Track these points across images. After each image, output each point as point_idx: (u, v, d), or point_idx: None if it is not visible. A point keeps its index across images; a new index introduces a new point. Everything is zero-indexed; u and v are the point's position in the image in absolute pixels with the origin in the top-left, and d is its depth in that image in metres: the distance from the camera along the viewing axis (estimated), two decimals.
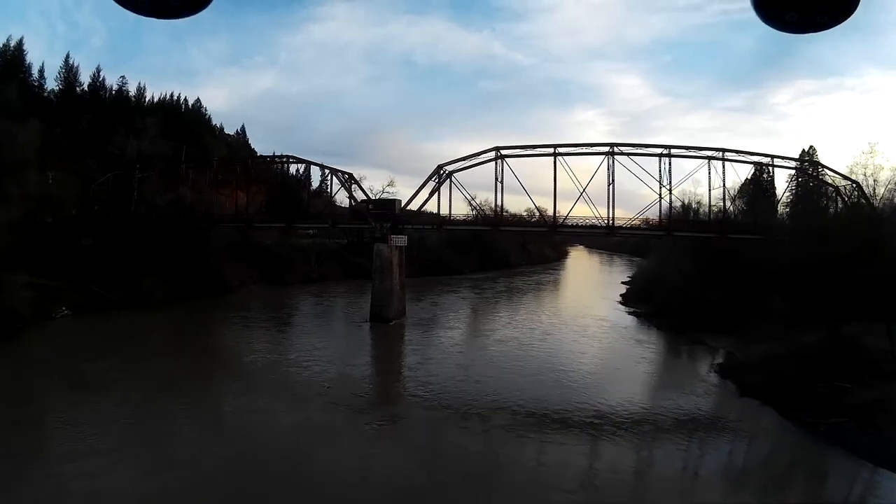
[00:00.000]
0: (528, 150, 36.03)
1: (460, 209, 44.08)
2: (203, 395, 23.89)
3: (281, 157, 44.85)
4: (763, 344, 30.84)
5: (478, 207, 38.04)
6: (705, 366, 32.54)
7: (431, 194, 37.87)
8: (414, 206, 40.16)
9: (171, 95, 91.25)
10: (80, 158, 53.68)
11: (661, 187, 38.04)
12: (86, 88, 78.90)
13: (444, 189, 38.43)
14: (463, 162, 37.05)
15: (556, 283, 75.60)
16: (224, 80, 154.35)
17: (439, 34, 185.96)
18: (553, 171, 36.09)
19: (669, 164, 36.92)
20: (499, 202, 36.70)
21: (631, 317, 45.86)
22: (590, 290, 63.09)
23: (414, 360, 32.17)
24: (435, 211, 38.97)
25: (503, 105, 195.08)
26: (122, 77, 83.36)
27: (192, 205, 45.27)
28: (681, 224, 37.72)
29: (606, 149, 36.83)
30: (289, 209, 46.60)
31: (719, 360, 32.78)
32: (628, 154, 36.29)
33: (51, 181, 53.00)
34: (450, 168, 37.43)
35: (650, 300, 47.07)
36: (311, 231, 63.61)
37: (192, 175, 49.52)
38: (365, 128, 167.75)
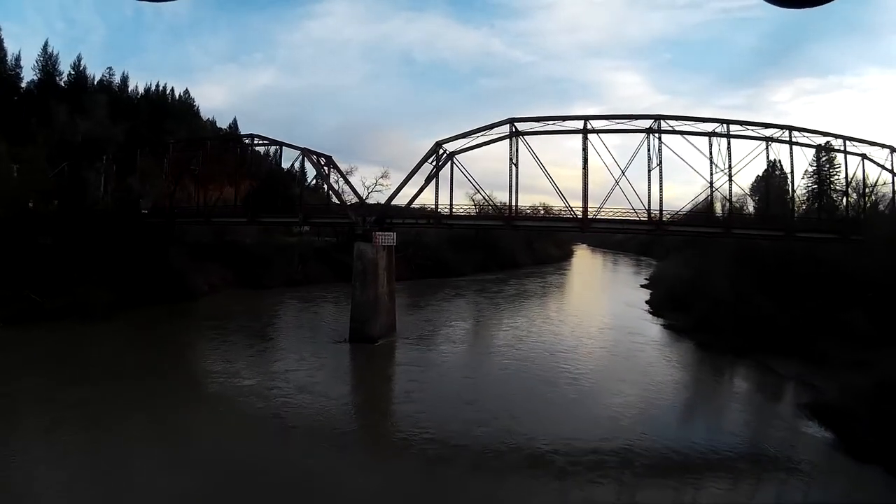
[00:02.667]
0: (550, 125, 27.43)
1: (460, 199, 35.67)
2: (118, 433, 17.50)
3: (247, 136, 36.40)
4: (847, 372, 23.17)
5: (486, 197, 29.32)
6: (787, 405, 24.49)
7: (428, 181, 29.38)
8: (406, 196, 31.64)
9: (158, 86, 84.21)
10: (23, 143, 45.41)
11: (712, 173, 29.59)
12: (66, 79, 72.34)
13: (444, 176, 29.94)
14: (467, 140, 28.44)
15: (569, 285, 66.89)
16: (223, 77, 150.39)
17: (438, 31, 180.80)
18: (583, 153, 27.53)
19: (728, 143, 28.49)
20: (513, 190, 27.91)
21: (667, 331, 37.53)
22: (609, 295, 54.63)
23: (406, 389, 24.35)
24: (432, 202, 30.34)
25: (502, 103, 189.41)
26: (110, 68, 77.22)
27: (141, 197, 37.01)
28: (742, 220, 29.07)
29: (648, 123, 28.32)
30: (272, 203, 38.10)
31: (802, 396, 24.70)
32: (680, 132, 27.82)
33: (16, 173, 45.96)
34: (451, 147, 28.87)
35: (686, 310, 38.79)
36: (303, 228, 55.36)
37: (169, 163, 40.58)
38: (364, 125, 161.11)
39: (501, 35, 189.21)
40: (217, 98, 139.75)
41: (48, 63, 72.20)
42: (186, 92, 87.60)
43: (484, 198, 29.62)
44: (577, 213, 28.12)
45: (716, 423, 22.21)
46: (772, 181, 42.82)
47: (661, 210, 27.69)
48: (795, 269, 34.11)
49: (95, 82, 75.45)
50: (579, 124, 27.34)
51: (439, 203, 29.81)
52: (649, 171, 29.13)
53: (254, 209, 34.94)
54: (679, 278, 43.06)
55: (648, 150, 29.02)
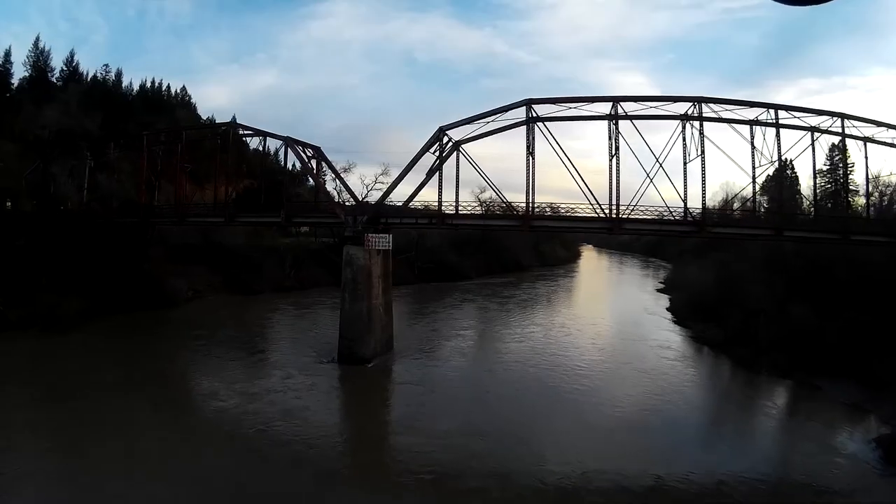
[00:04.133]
0: (573, 108, 22.92)
1: (464, 197, 31.20)
2: (74, 463, 15.40)
3: (225, 124, 32.23)
4: None
5: (499, 193, 24.61)
6: (851, 439, 20.45)
7: (430, 174, 24.93)
8: (404, 193, 27.19)
9: (153, 82, 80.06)
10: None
11: (754, 167, 25.28)
12: (58, 74, 68.48)
13: (447, 172, 25.51)
14: (475, 126, 23.88)
15: (582, 289, 61.79)
16: (225, 77, 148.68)
17: (440, 32, 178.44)
18: (611, 141, 23.12)
19: (778, 133, 24.17)
20: (530, 186, 23.21)
21: (696, 343, 33.12)
22: (626, 301, 50.14)
23: (403, 419, 20.74)
24: (432, 199, 25.90)
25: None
26: (106, 65, 73.44)
27: (111, 195, 32.96)
28: (794, 221, 24.62)
29: (685, 107, 23.95)
30: (259, 202, 33.82)
31: (867, 428, 20.81)
32: (725, 120, 23.56)
33: None
34: (456, 135, 24.39)
35: (715, 320, 34.43)
36: (301, 228, 51.13)
37: (160, 157, 35.97)
38: (366, 126, 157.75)
39: (504, 35, 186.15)
40: (220, 99, 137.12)
41: (39, 59, 68.31)
42: (183, 88, 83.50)
43: (496, 193, 24.82)
44: (600, 211, 23.67)
45: (770, 461, 18.58)
46: (783, 180, 39.16)
47: (703, 208, 23.27)
48: (837, 275, 29.88)
49: (89, 78, 71.70)
50: (606, 107, 22.90)
51: (442, 200, 25.32)
52: (685, 163, 24.77)
53: (232, 209, 30.62)
54: (704, 284, 38.63)
55: (684, 138, 24.67)
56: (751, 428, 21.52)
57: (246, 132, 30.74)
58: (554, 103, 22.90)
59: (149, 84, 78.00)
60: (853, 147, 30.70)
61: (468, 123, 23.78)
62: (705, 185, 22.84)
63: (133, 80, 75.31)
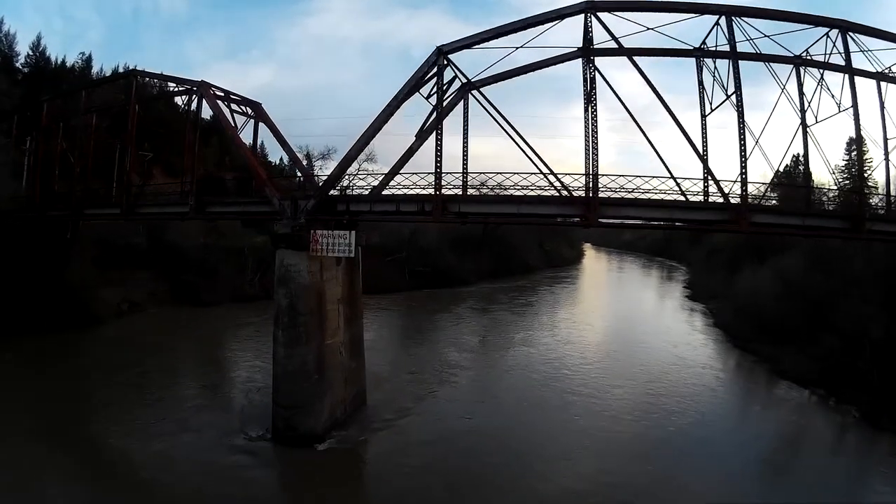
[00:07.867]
0: (661, 20, 13.05)
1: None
2: None
3: (125, 74, 22.46)
4: None
5: (541, 159, 13.68)
6: None
7: (425, 134, 14.94)
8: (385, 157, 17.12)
9: (127, 68, 70.44)
10: None
11: (886, 138, 16.21)
12: (24, 61, 58.98)
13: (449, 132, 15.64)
14: (494, 51, 13.93)
15: (605, 297, 49.94)
16: (221, 74, 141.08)
17: (437, 28, 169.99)
18: (702, 86, 13.71)
19: None
20: (590, 155, 13.16)
21: (773, 375, 23.70)
22: (663, 313, 40.08)
23: None
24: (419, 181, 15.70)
25: (500, 101, 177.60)
26: (82, 53, 64.33)
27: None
28: None
29: (815, 39, 14.53)
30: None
31: None
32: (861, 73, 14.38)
33: None
34: (461, 65, 14.31)
35: (791, 343, 25.13)
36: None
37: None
38: (363, 125, 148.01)
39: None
40: None
41: (2, 43, 58.56)
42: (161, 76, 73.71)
43: (543, 163, 14.07)
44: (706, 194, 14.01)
45: None
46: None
47: (861, 195, 13.80)
48: None
49: (56, 64, 62.12)
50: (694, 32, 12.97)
51: (442, 176, 15.30)
52: (804, 126, 15.36)
53: (132, 199, 20.69)
54: (768, 295, 29.23)
55: (801, 89, 15.42)
56: None
57: (150, 77, 20.93)
58: (625, 9, 13.24)
59: (121, 69, 68.77)
60: None
61: (479, 43, 13.61)
62: (862, 161, 13.37)
63: (103, 64, 66.23)
